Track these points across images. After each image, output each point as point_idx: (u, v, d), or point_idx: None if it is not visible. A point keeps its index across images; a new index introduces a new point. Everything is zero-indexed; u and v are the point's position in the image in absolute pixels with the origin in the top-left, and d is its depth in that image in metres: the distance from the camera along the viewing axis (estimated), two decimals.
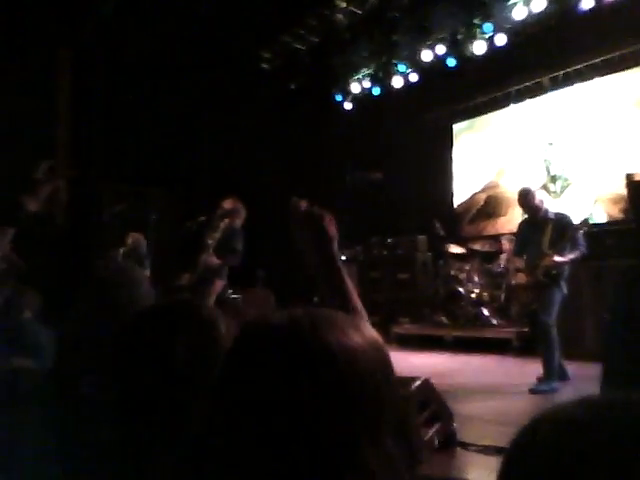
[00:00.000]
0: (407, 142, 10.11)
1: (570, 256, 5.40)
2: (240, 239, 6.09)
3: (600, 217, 8.16)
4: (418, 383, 3.62)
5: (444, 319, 8.77)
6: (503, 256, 8.42)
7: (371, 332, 0.78)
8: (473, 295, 8.56)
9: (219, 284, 5.99)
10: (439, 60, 9.64)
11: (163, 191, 9.94)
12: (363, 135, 10.76)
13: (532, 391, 5.21)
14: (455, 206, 10.39)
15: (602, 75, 8.37)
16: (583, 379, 5.07)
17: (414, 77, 10.17)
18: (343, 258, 9.87)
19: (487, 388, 5.63)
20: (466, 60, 9.40)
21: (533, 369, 5.54)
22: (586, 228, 5.73)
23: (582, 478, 0.52)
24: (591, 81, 8.52)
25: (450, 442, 3.73)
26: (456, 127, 10.48)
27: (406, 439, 0.75)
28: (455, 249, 9.08)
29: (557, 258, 5.36)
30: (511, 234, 7.56)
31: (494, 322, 8.24)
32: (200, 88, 10.29)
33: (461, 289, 8.63)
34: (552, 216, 5.61)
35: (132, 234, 7.93)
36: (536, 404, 4.80)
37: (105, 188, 9.63)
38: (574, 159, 8.70)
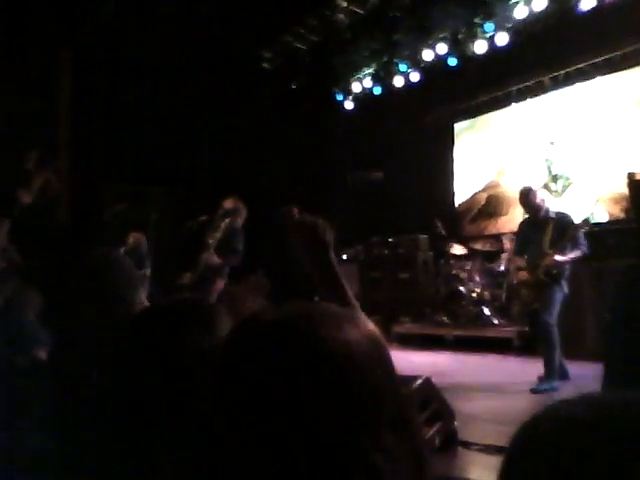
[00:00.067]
0: (408, 141, 10.10)
1: (571, 255, 5.40)
2: (241, 239, 6.10)
3: (601, 216, 8.15)
4: (419, 382, 3.62)
5: (445, 318, 8.77)
6: (504, 255, 8.42)
7: (369, 326, 0.77)
8: (474, 294, 8.56)
9: (220, 283, 5.99)
10: (440, 59, 9.63)
11: (164, 191, 9.94)
12: (364, 135, 10.76)
13: (533, 390, 5.21)
14: (456, 205, 10.39)
15: (603, 74, 8.36)
16: (584, 378, 5.07)
17: (415, 76, 10.16)
18: (344, 258, 9.88)
19: (488, 387, 5.64)
20: (467, 59, 9.39)
21: (534, 368, 5.53)
22: (587, 227, 5.73)
23: (582, 477, 0.52)
24: (592, 80, 8.51)
25: (451, 441, 3.72)
26: (457, 126, 10.48)
27: (409, 435, 0.75)
28: (456, 250, 9.07)
29: (558, 257, 5.35)
30: (512, 233, 7.55)
31: (495, 321, 8.24)
32: (200, 88, 10.29)
33: (462, 288, 8.63)
34: (553, 215, 5.60)
35: (133, 234, 7.93)
36: (537, 403, 4.80)
37: (106, 188, 9.64)
38: (575, 158, 8.69)
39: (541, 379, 5.34)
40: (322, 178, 10.50)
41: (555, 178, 8.96)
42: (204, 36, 9.73)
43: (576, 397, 0.58)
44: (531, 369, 5.65)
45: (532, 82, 9.16)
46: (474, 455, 3.62)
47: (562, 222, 5.52)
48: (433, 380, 3.78)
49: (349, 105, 11.30)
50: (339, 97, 11.31)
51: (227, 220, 6.09)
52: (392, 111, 10.33)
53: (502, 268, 8.41)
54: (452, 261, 8.99)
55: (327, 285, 1.31)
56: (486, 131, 10.03)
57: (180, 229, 6.31)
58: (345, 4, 9.97)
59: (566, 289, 5.46)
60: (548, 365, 5.31)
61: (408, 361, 6.53)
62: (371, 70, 10.72)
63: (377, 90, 10.81)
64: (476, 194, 10.14)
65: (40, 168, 2.05)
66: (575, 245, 5.41)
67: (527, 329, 7.02)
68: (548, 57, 8.60)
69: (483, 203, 10.04)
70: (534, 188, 5.76)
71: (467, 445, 3.73)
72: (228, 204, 6.19)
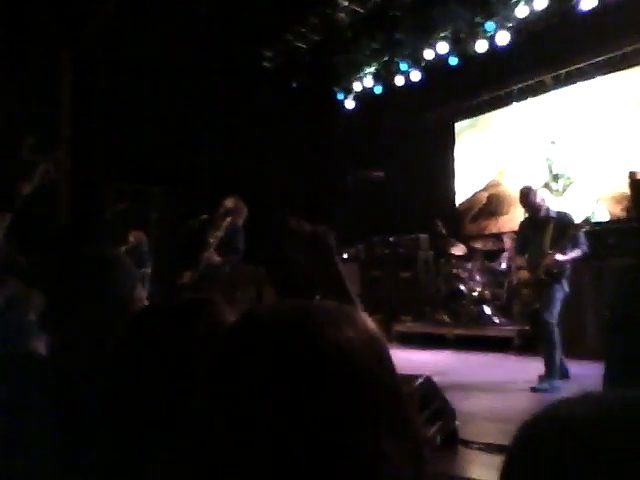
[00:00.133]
0: (409, 141, 10.10)
1: (571, 255, 5.39)
2: (242, 238, 6.11)
3: (602, 216, 8.15)
4: (420, 381, 3.62)
5: (446, 317, 8.78)
6: (505, 254, 8.42)
7: (369, 325, 0.77)
8: (475, 293, 8.56)
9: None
10: (441, 59, 9.63)
11: (164, 190, 9.94)
12: (365, 134, 10.76)
13: (533, 389, 5.22)
14: (457, 205, 10.39)
15: (604, 74, 8.36)
16: (584, 377, 5.08)
17: (416, 76, 10.16)
18: (345, 257, 9.88)
19: (489, 386, 5.65)
20: (468, 59, 9.39)
21: (534, 367, 5.53)
22: (588, 227, 5.73)
23: (583, 476, 0.52)
24: (593, 80, 8.51)
25: (452, 440, 3.73)
26: (458, 126, 10.48)
27: (409, 435, 0.74)
28: (457, 250, 9.07)
29: (558, 257, 5.35)
30: (513, 233, 7.56)
31: (496, 320, 8.24)
32: (201, 86, 10.28)
33: (463, 287, 8.63)
34: (554, 215, 5.60)
35: (134, 232, 7.94)
36: (537, 402, 4.80)
37: (107, 187, 9.63)
38: (576, 158, 8.69)
39: (542, 378, 5.34)
40: (323, 177, 10.49)
41: (556, 177, 8.96)
42: (205, 35, 9.72)
43: (576, 396, 0.58)
44: (531, 368, 5.64)
45: (533, 81, 9.16)
46: (475, 454, 3.62)
47: (563, 221, 5.52)
48: (434, 379, 3.79)
49: (350, 104, 11.30)
50: (340, 96, 11.31)
51: (228, 219, 6.10)
52: (393, 110, 10.33)
53: (503, 267, 8.42)
54: (453, 260, 9.00)
55: (331, 286, 1.31)
56: (487, 130, 10.03)
57: (181, 228, 6.31)
58: (346, 3, 9.96)
59: (567, 288, 5.45)
60: (548, 364, 5.31)
61: (409, 360, 6.53)
62: (372, 69, 10.72)
63: (378, 89, 10.81)
64: (477, 193, 10.14)
65: (37, 156, 2.06)
66: (575, 244, 5.41)
67: (528, 328, 7.03)
68: (549, 56, 8.60)
69: (484, 202, 10.04)
70: (534, 188, 5.76)
71: (468, 444, 3.73)
72: (229, 203, 6.20)
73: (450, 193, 10.40)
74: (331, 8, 10.06)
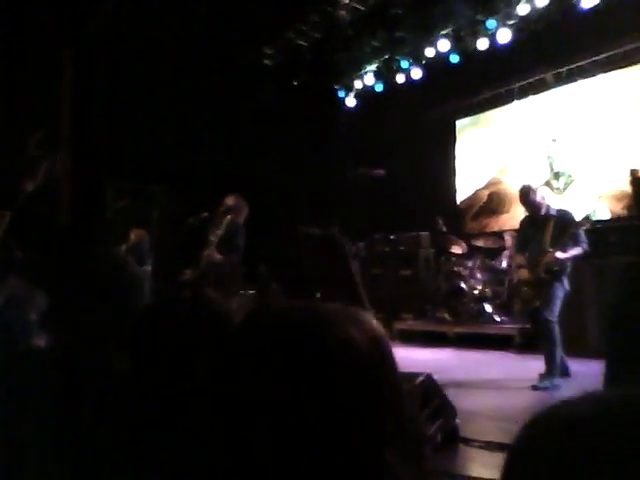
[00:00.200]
0: (410, 138, 10.09)
1: (572, 253, 5.39)
2: (242, 236, 6.10)
3: (603, 214, 8.14)
4: (421, 379, 3.62)
5: (447, 315, 8.78)
6: (506, 253, 8.42)
7: (373, 326, 0.77)
8: (476, 291, 8.56)
9: None
10: (442, 56, 9.61)
11: (165, 188, 9.94)
12: (366, 131, 10.75)
13: (534, 387, 5.22)
14: (458, 202, 10.39)
15: (606, 71, 8.35)
16: (585, 375, 5.07)
17: (417, 73, 10.14)
18: None
19: (489, 384, 5.65)
20: (469, 56, 9.38)
21: (535, 365, 5.53)
22: (589, 225, 5.72)
23: (583, 475, 0.52)
24: (594, 77, 8.50)
25: (453, 438, 3.73)
26: (459, 123, 10.47)
27: (410, 434, 0.75)
28: (457, 249, 9.07)
29: (559, 255, 5.35)
30: (514, 231, 7.55)
31: (496, 318, 8.24)
32: (202, 85, 10.28)
33: (464, 285, 8.63)
34: (554, 213, 5.60)
35: (135, 231, 7.93)
36: (538, 400, 4.81)
37: (107, 185, 9.64)
38: (577, 155, 8.69)
39: (542, 376, 5.34)
40: (324, 175, 10.48)
41: (557, 175, 8.95)
42: (206, 33, 9.71)
43: (577, 395, 0.58)
44: (532, 366, 5.64)
45: (534, 79, 9.15)
46: (475, 452, 3.62)
47: (563, 219, 5.52)
48: (435, 377, 3.79)
49: (351, 102, 11.29)
50: (341, 94, 11.30)
51: (229, 217, 6.09)
52: (394, 108, 10.32)
53: (504, 265, 8.41)
54: (453, 258, 9.00)
55: (344, 289, 1.31)
56: (488, 128, 10.02)
57: (182, 226, 6.31)
58: (347, 1, 9.95)
59: (567, 286, 5.45)
60: (549, 362, 5.31)
61: (410, 358, 6.53)
62: (373, 67, 10.70)
63: (379, 87, 10.80)
64: (478, 191, 10.13)
65: (43, 152, 2.07)
66: (576, 242, 5.40)
67: (528, 326, 7.03)
68: (550, 54, 8.59)
69: (485, 200, 10.04)
70: (534, 186, 5.75)
71: (468, 442, 3.73)
72: (230, 201, 6.20)
73: (451, 191, 10.40)
74: (332, 6, 10.05)
